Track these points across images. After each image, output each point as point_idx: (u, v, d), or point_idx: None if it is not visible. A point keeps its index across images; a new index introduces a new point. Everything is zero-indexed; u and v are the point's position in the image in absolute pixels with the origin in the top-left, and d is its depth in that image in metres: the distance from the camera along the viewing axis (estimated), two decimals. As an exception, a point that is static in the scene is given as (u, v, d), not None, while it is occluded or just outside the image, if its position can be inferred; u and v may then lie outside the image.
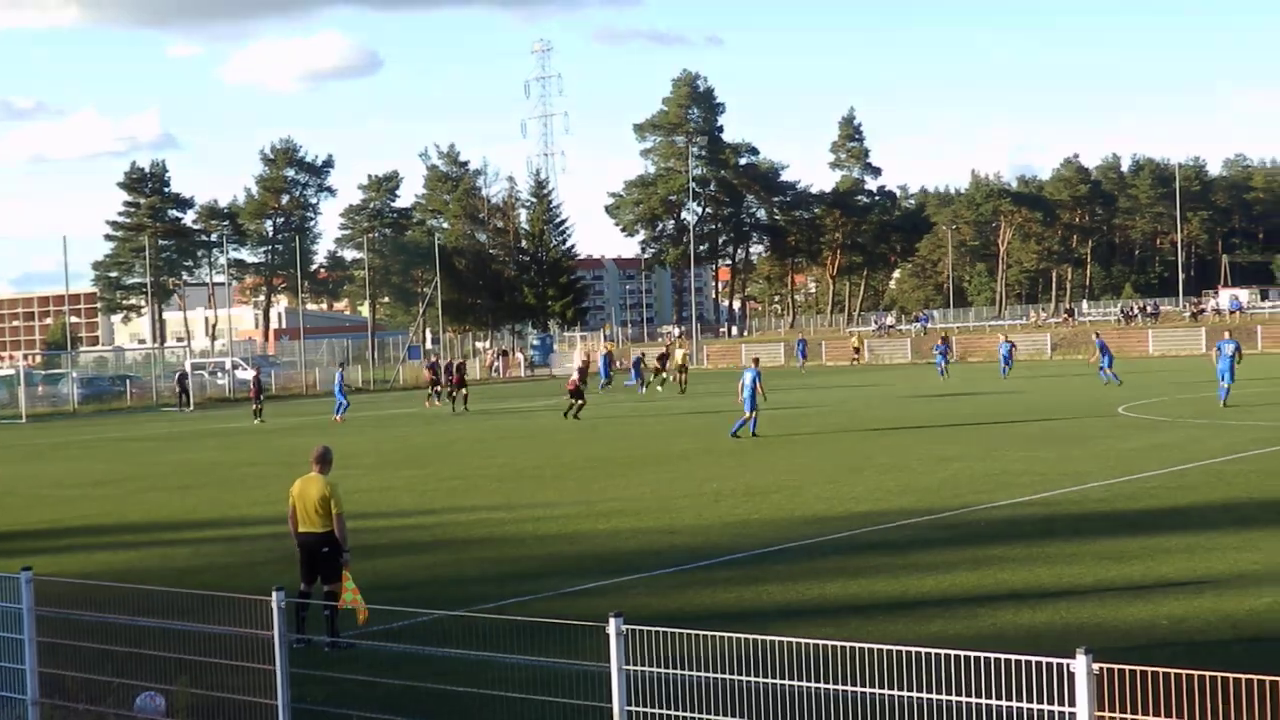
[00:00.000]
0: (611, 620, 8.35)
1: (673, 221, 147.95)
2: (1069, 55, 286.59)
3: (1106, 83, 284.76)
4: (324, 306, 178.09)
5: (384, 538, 21.25)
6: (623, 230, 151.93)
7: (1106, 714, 7.08)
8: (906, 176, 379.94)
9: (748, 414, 35.47)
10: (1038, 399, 47.09)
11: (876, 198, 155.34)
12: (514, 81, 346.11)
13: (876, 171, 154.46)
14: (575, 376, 47.21)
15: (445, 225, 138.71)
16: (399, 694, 10.95)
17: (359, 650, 12.98)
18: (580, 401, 45.55)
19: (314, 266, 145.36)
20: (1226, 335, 43.83)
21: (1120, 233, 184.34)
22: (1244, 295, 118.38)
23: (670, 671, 8.30)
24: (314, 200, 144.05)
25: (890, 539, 19.09)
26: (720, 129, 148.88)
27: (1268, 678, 7.05)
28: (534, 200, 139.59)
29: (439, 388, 60.42)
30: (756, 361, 37.93)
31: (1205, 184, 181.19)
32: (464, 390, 55.66)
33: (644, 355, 70.91)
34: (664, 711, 8.35)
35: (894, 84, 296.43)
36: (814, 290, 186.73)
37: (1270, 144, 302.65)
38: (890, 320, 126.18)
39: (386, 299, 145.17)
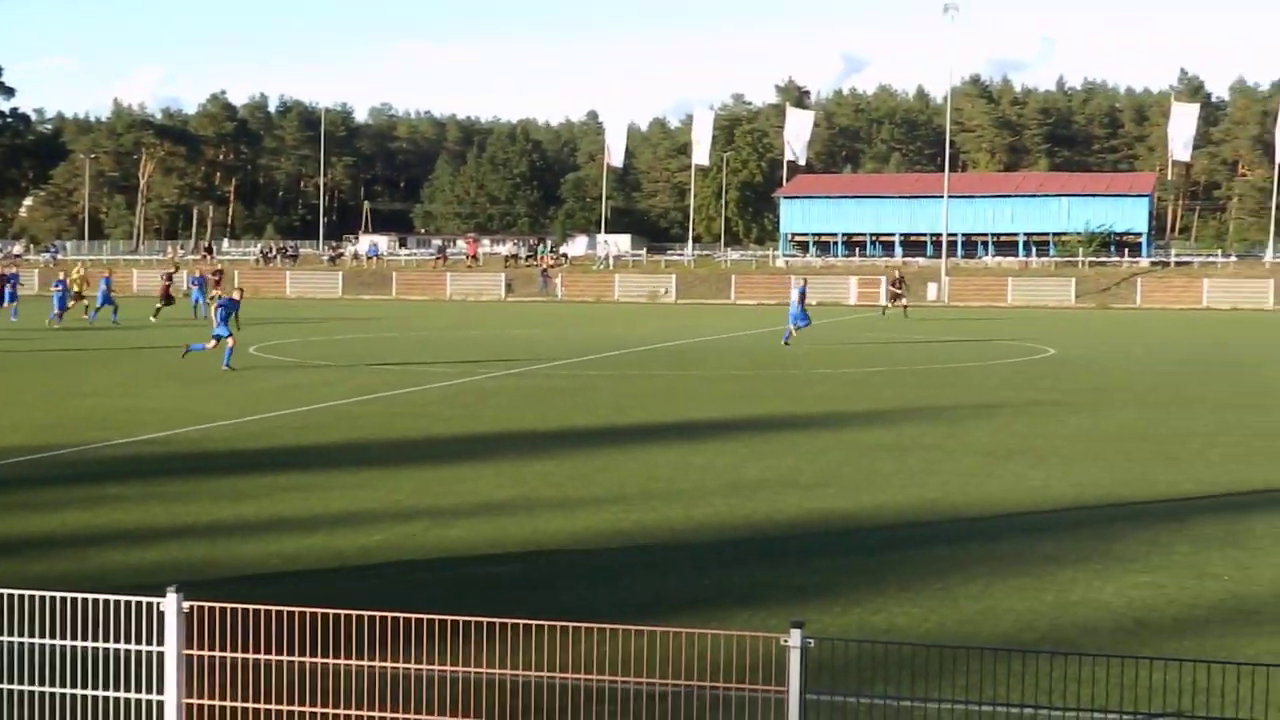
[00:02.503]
0: None
1: None
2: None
3: (256, 25, 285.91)
4: None
5: None
6: None
7: (198, 651, 7.01)
8: (45, 100, 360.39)
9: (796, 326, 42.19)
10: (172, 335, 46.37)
11: (9, 120, 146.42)
12: None
13: (10, 92, 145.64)
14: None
15: None
16: None
17: None
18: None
19: None
20: None
21: (265, 173, 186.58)
22: (383, 242, 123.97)
23: None
24: None
25: (-4, 478, 17.90)
26: None
27: (429, 616, 7.19)
28: None
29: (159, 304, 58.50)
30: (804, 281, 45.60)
31: (351, 130, 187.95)
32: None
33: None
34: None
35: None
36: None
37: (415, 96, 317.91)
38: (18, 250, 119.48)
39: None
